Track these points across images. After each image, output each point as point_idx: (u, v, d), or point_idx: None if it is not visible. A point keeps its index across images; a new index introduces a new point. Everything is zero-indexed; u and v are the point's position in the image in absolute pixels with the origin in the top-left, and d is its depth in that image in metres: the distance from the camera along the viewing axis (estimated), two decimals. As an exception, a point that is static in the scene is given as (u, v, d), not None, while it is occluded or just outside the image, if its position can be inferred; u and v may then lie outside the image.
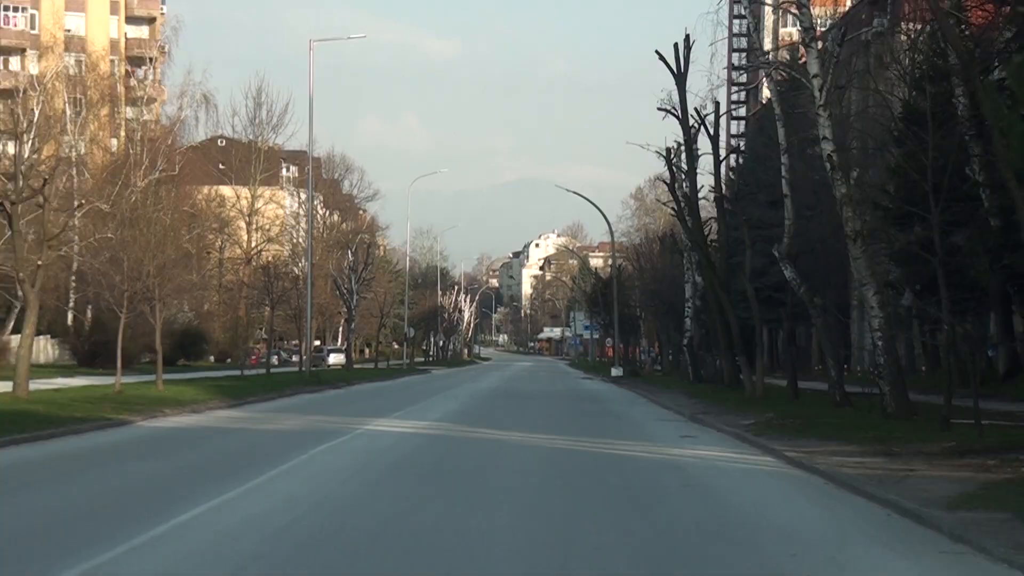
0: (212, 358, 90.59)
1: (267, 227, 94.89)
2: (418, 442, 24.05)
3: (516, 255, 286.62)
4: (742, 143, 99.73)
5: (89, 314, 71.29)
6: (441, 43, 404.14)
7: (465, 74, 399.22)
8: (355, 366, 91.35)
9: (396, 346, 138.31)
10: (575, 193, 75.00)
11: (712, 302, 47.32)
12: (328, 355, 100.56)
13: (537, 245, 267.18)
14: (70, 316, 73.36)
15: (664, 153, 48.69)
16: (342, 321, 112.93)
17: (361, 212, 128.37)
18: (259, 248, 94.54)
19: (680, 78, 47.28)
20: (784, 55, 51.17)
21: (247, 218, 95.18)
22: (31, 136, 78.56)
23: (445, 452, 21.91)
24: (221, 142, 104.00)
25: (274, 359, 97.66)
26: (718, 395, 42.37)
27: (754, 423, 28.31)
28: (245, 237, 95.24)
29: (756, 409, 33.24)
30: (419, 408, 36.14)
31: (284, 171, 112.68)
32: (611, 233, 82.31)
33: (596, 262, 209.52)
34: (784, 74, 39.17)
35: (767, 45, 67.68)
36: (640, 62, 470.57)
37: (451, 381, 66.50)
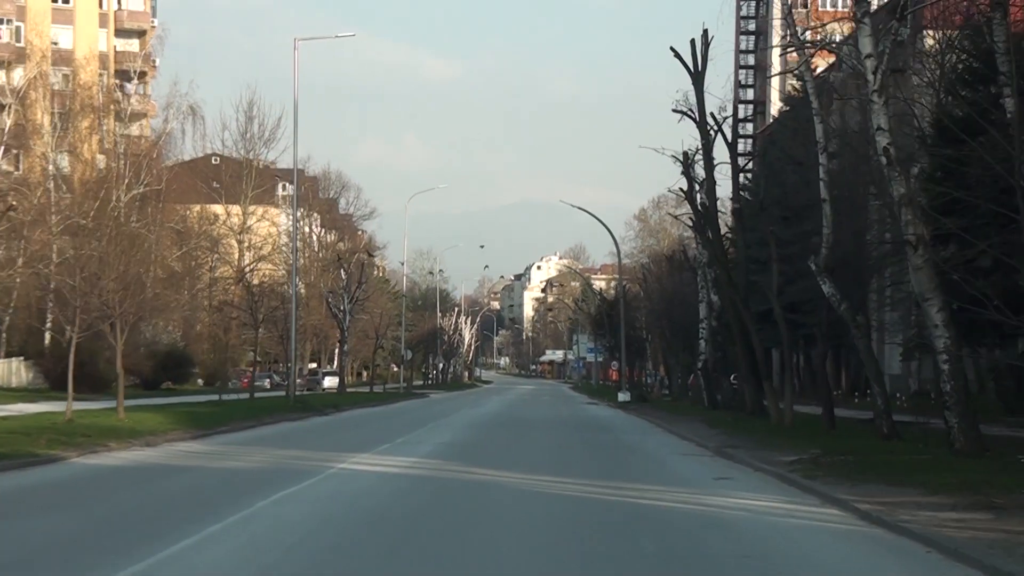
0: (201, 381, 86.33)
1: (259, 245, 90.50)
2: (399, 486, 19.68)
3: (518, 277, 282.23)
4: (750, 163, 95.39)
5: (68, 335, 66.95)
6: (441, 63, 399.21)
7: (465, 95, 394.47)
8: (349, 390, 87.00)
9: (395, 369, 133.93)
10: (580, 209, 70.84)
11: (733, 322, 42.94)
12: (323, 378, 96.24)
13: (539, 267, 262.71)
14: (47, 337, 69.04)
15: (680, 158, 44.35)
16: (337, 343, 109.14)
17: (359, 232, 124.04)
18: (251, 267, 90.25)
19: (697, 77, 43.11)
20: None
21: (238, 236, 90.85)
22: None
23: (429, 502, 17.50)
24: (215, 160, 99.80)
25: (266, 382, 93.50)
26: (741, 424, 37.96)
27: (797, 461, 23.90)
28: (236, 256, 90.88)
29: (791, 442, 28.85)
30: (408, 440, 31.73)
31: (280, 189, 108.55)
32: (617, 249, 77.99)
33: (599, 284, 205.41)
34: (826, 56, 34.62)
35: (775, 39, 63.45)
36: (647, 78, 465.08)
37: (448, 407, 62.11)
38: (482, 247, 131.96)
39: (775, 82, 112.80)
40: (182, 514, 15.59)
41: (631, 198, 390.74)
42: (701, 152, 43.88)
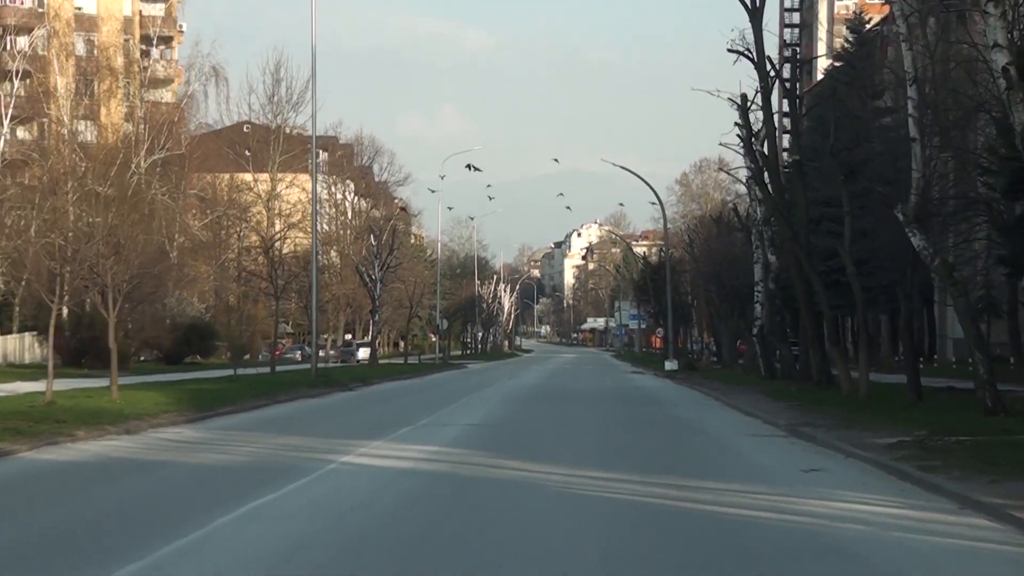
0: (229, 355, 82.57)
1: (288, 213, 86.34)
2: (405, 490, 15.34)
3: (558, 245, 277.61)
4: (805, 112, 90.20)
5: (58, 307, 63.31)
6: (479, 34, 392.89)
7: (505, 64, 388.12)
8: (384, 361, 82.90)
9: (433, 338, 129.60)
10: (624, 168, 66.29)
11: (797, 282, 38.37)
12: (357, 350, 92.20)
13: (579, 235, 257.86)
14: (64, 311, 65.22)
15: (737, 100, 39.71)
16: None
17: (395, 200, 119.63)
18: (280, 235, 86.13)
19: (755, 14, 38.52)
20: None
21: (268, 204, 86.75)
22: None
23: (439, 517, 13.10)
24: (246, 128, 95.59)
25: (297, 355, 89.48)
26: (809, 396, 33.50)
27: (898, 445, 19.44)
28: (265, 224, 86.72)
29: (879, 419, 24.38)
30: (434, 421, 27.40)
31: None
32: (662, 208, 73.26)
33: (640, 250, 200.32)
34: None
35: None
36: (684, 53, 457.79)
37: (486, 378, 57.88)
38: (560, 195, 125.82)
39: (822, 39, 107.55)
40: (89, 546, 11.31)
41: (671, 167, 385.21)
42: (760, 95, 39.21)
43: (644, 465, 17.91)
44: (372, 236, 75.23)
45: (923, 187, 26.17)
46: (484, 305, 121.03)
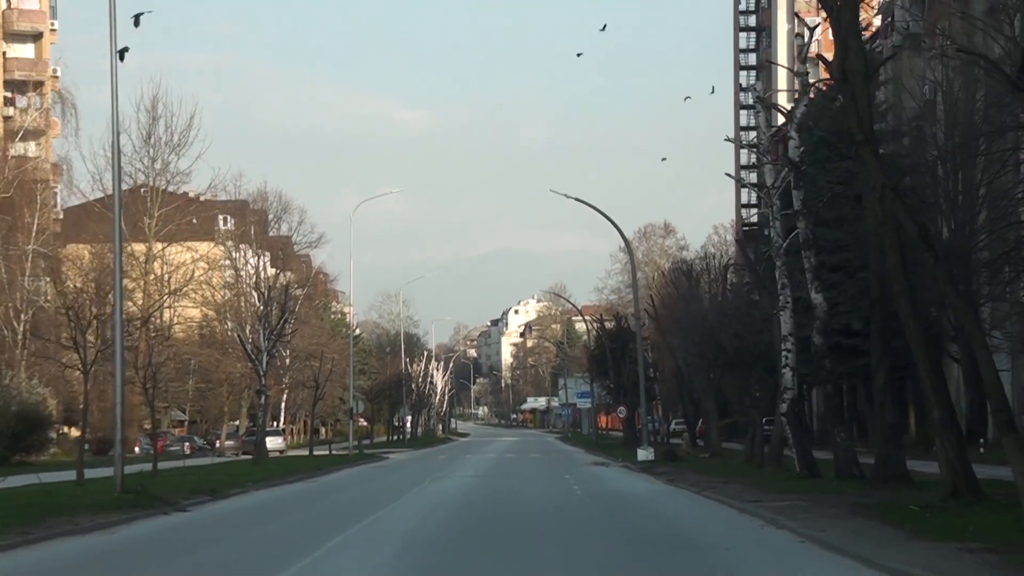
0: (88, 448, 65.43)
1: (169, 278, 69.59)
2: None
3: (495, 323, 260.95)
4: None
5: None
6: (414, 114, 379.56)
7: (438, 146, 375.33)
8: (292, 452, 65.85)
9: (364, 423, 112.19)
10: (579, 201, 50.02)
11: (904, 312, 22.02)
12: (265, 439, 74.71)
13: (516, 312, 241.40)
14: None
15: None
16: (283, 395, 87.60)
17: (323, 277, 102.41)
18: (160, 305, 69.15)
19: None
20: None
21: (144, 268, 69.68)
22: None
23: None
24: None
25: (184, 447, 72.24)
26: (953, 520, 17.46)
27: None
28: (141, 295, 69.45)
29: None
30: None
31: (221, 223, 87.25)
32: (630, 252, 57.80)
33: (581, 326, 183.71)
34: None
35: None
36: (622, 118, 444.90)
37: (402, 478, 41.19)
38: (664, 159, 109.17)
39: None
40: None
41: (610, 244, 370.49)
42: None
43: None
44: (257, 296, 58.49)
45: None
46: (414, 385, 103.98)
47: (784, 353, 33.49)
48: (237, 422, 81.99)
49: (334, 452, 64.81)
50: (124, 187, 73.15)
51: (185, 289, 70.10)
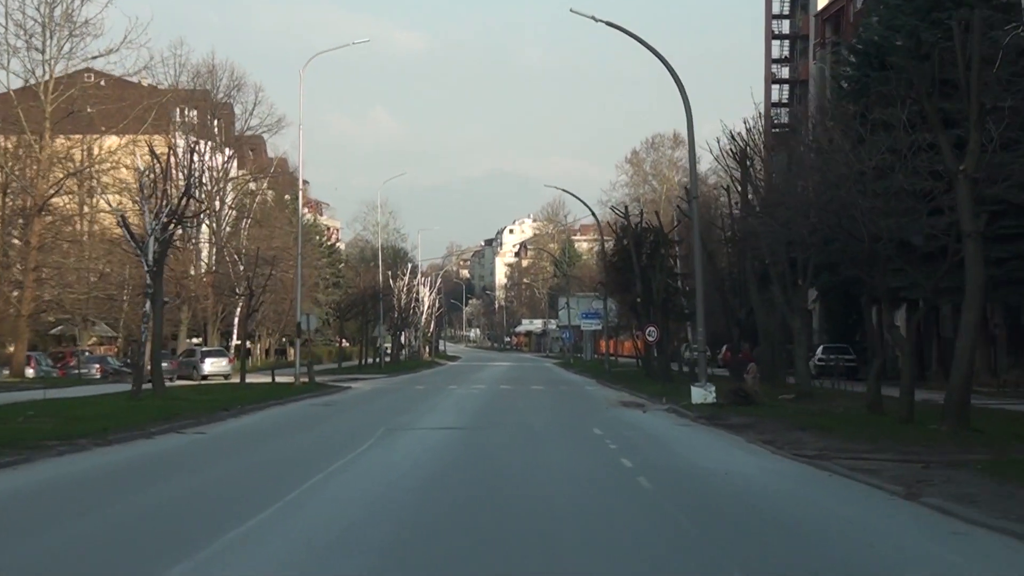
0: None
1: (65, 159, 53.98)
2: None
3: (488, 242, 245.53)
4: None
5: None
6: (409, 35, 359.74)
7: (435, 67, 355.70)
8: (250, 378, 50.20)
9: (346, 344, 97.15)
10: (610, 24, 34.64)
11: None
12: (203, 360, 59.45)
13: (511, 231, 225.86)
14: None
15: None
16: (239, 306, 71.95)
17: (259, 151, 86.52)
18: (59, 188, 53.56)
19: None
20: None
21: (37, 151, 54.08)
22: None
23: None
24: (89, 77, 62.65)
25: (94, 369, 56.96)
26: None
27: None
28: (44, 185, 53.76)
29: None
30: None
31: (178, 116, 71.33)
32: (682, 91, 41.88)
33: (582, 246, 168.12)
34: None
35: None
36: (616, 48, 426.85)
37: (325, 438, 25.72)
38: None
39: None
40: None
41: (607, 171, 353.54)
42: None
43: None
44: (137, 158, 42.85)
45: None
46: (395, 301, 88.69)
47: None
48: (172, 340, 66.81)
49: (277, 381, 49.49)
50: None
51: (94, 173, 54.49)
